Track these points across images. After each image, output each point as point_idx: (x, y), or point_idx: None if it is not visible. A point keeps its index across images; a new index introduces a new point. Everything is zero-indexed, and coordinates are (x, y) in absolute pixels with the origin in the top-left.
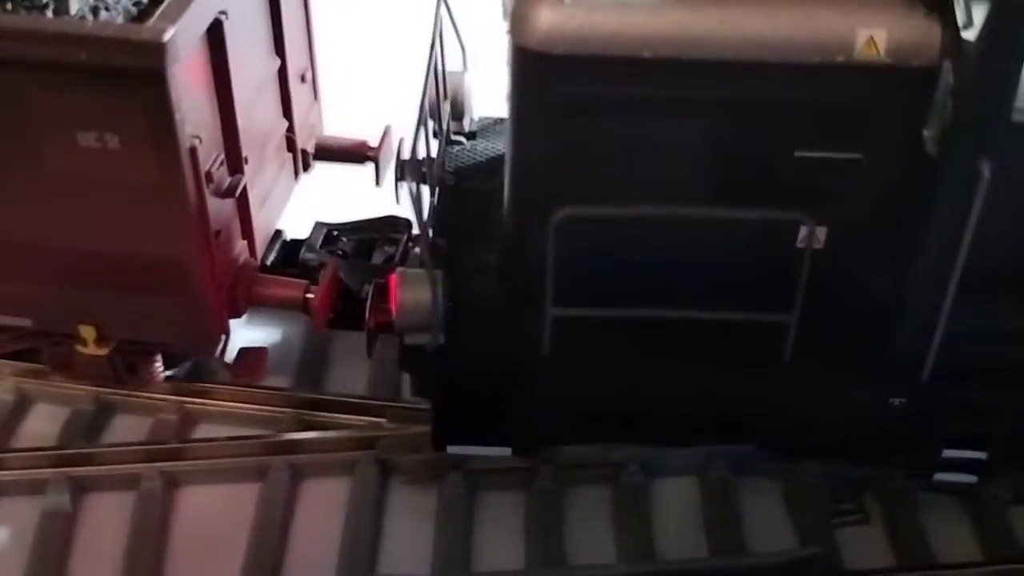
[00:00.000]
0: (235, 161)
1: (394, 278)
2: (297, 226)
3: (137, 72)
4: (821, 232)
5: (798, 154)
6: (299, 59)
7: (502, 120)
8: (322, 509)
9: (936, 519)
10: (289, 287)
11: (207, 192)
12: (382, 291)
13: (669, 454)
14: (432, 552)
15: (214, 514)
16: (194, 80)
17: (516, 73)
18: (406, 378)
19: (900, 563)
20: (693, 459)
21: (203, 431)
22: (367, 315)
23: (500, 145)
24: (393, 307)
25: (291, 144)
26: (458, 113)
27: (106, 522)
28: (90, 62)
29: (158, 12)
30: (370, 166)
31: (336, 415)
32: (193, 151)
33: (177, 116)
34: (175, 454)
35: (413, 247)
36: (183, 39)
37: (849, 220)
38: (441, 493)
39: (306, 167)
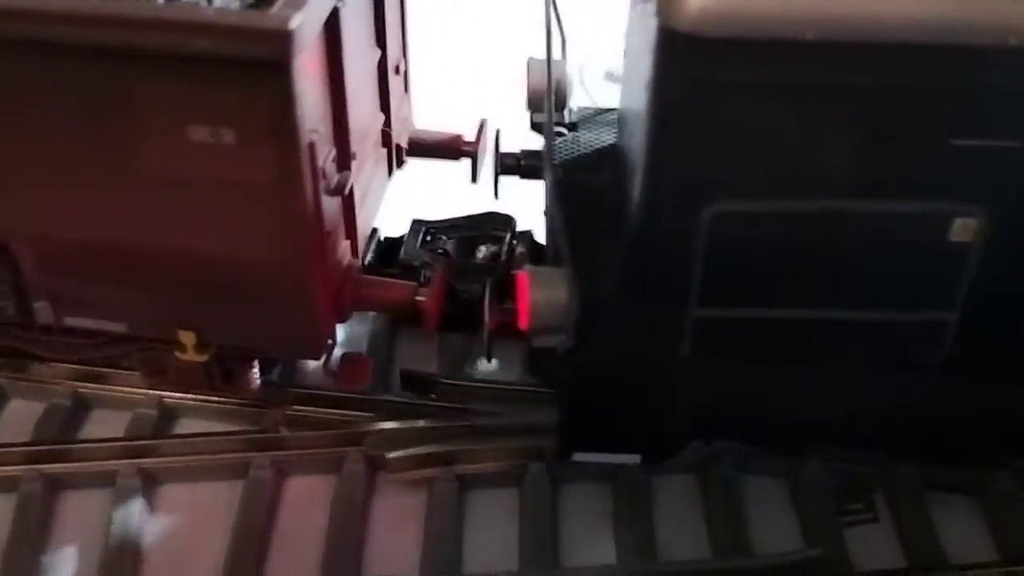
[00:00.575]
0: (344, 157)
1: (524, 277)
2: (388, 224)
3: (260, 62)
4: (971, 224)
5: (955, 142)
6: (395, 49)
7: (606, 111)
8: (307, 507)
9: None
10: (397, 289)
11: (321, 190)
12: (502, 291)
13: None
14: (421, 552)
15: (193, 512)
16: (313, 71)
17: (662, 58)
18: (396, 372)
19: (911, 563)
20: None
21: (182, 427)
22: (485, 316)
23: (605, 136)
24: (523, 307)
25: (387, 139)
26: (560, 104)
27: (81, 520)
28: (209, 51)
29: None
30: (464, 162)
31: (322, 410)
32: (312, 147)
33: (299, 110)
34: (153, 451)
35: (517, 244)
36: (308, 27)
37: (1008, 211)
38: (432, 490)
39: (400, 163)
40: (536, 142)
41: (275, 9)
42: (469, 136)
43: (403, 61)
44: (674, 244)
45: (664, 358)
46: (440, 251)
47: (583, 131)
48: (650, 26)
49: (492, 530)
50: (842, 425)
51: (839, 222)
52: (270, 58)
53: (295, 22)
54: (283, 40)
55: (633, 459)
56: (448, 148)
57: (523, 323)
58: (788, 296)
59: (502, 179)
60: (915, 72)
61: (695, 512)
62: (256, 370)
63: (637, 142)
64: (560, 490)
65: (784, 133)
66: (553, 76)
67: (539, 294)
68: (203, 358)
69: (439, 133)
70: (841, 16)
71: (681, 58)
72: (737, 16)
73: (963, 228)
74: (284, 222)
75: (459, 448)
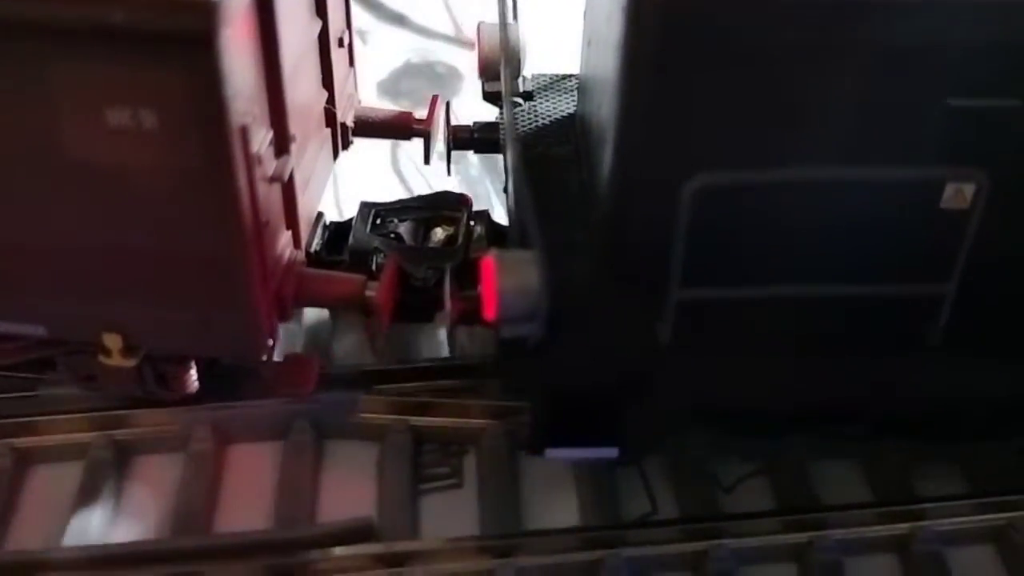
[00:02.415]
0: (282, 140)
1: (490, 262)
2: (337, 207)
3: (182, 37)
4: (969, 191)
5: (952, 103)
6: (337, 20)
7: (564, 77)
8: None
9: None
10: (345, 284)
11: (257, 177)
12: (462, 277)
13: None
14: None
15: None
16: (243, 46)
17: (636, 21)
18: (340, 343)
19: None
20: None
21: None
22: (447, 306)
23: (565, 105)
24: (489, 295)
25: (330, 118)
26: (514, 71)
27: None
28: (126, 25)
29: None
30: (415, 141)
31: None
32: (244, 131)
33: (227, 90)
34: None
35: (475, 225)
36: None
37: (1009, 176)
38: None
39: (345, 144)
40: (490, 113)
41: None
42: (421, 113)
43: (347, 32)
44: (652, 221)
45: (643, 346)
46: (392, 235)
47: (540, 100)
48: None
49: None
50: (832, 412)
51: (829, 192)
52: (192, 32)
53: None
54: (207, 11)
55: (610, 453)
56: (398, 126)
57: (490, 312)
58: (776, 272)
59: (455, 154)
60: (910, 28)
61: None
62: (193, 372)
63: (606, 112)
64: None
65: (771, 97)
66: (506, 41)
67: (507, 280)
68: (131, 363)
69: (388, 110)
70: None
71: (658, 21)
72: None
73: (958, 194)
74: (215, 213)
75: None
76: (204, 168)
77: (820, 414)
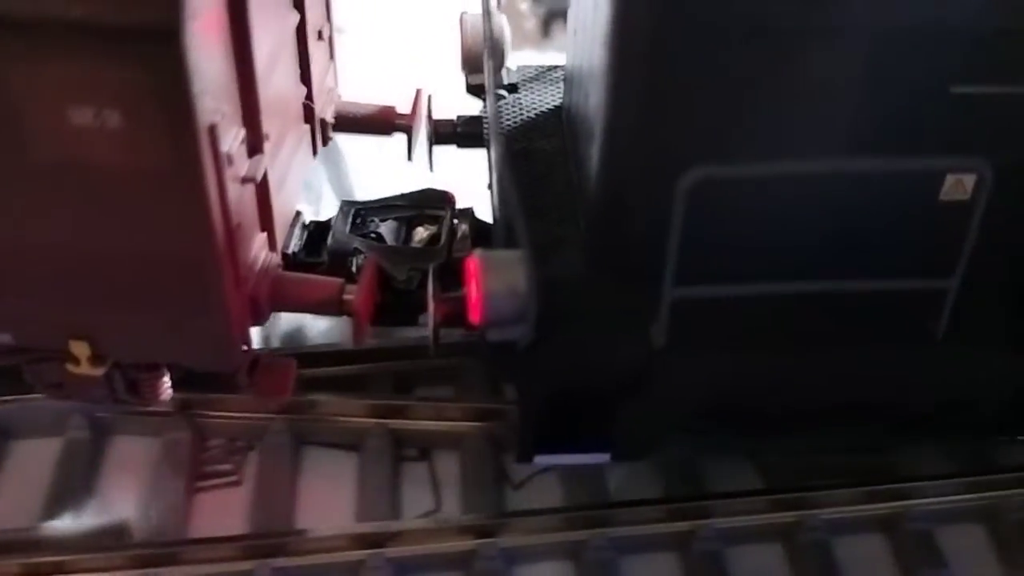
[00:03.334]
0: (255, 139)
1: (476, 262)
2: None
3: (145, 31)
4: (969, 182)
5: (955, 90)
6: (316, 12)
7: (549, 69)
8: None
9: None
10: (322, 287)
11: (228, 178)
12: (447, 278)
13: None
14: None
15: None
16: (212, 40)
17: (625, 7)
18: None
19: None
20: None
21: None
22: (430, 308)
23: (550, 98)
24: (476, 298)
25: (309, 114)
26: (498, 63)
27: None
28: (87, 19)
29: None
30: (397, 137)
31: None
32: (213, 130)
33: (195, 86)
34: None
35: (458, 224)
36: None
37: (1014, 167)
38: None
39: (325, 140)
40: (473, 106)
41: None
42: (403, 107)
43: (327, 25)
44: (644, 217)
45: (636, 346)
46: (373, 235)
47: (525, 92)
48: None
49: None
50: (830, 412)
51: (830, 184)
52: (156, 26)
53: None
54: (171, 4)
55: (602, 459)
56: (380, 122)
57: (476, 316)
58: (774, 268)
59: (437, 149)
60: (914, 11)
61: None
62: (166, 379)
63: (595, 104)
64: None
65: (768, 84)
66: (490, 32)
67: (494, 282)
68: (98, 371)
69: (369, 105)
70: None
71: (648, 5)
72: None
73: (958, 185)
74: (185, 216)
75: None
76: (172, 169)
77: (821, 412)
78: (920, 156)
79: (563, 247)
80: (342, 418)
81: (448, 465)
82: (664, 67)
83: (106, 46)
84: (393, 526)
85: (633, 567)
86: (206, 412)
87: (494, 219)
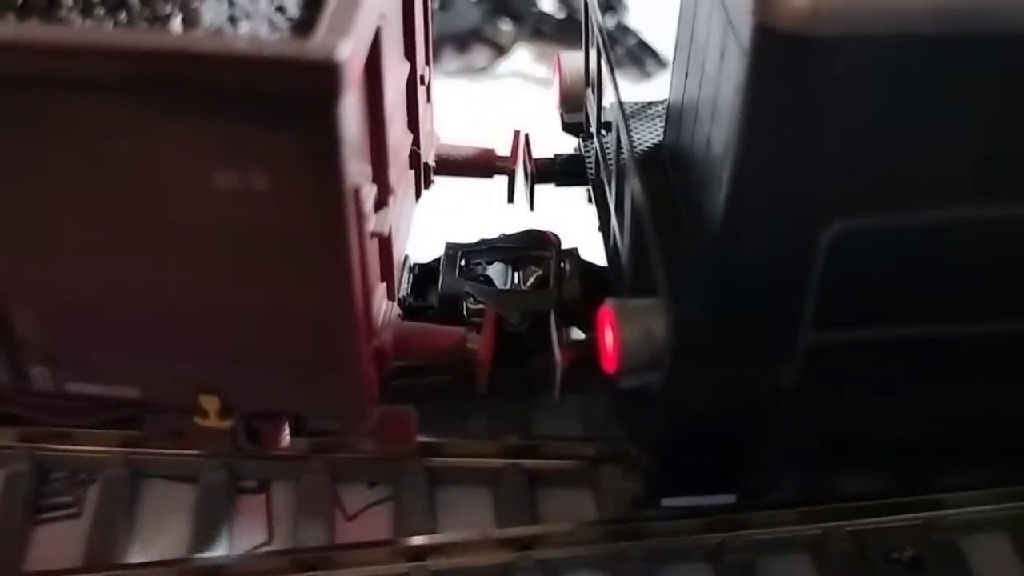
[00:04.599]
0: (383, 193)
1: (610, 312)
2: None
3: (301, 99)
4: None
5: None
6: (422, 59)
7: (649, 104)
8: None
9: None
10: (445, 336)
11: (365, 236)
12: (564, 317)
13: None
14: None
15: None
16: (356, 105)
17: (760, 61)
18: None
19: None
20: None
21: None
22: (556, 354)
23: (649, 134)
24: (612, 346)
25: (415, 159)
26: (598, 101)
27: None
28: (239, 87)
29: (323, 22)
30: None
31: None
32: (358, 192)
33: (344, 151)
34: None
35: (565, 265)
36: (356, 56)
37: None
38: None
39: (427, 183)
40: (567, 145)
41: (319, 36)
42: (502, 150)
43: (427, 69)
44: (777, 262)
45: (763, 388)
46: (480, 278)
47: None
48: (737, 21)
49: None
50: (960, 447)
51: (967, 229)
52: (314, 94)
53: (344, 51)
54: (328, 73)
55: (727, 499)
56: (480, 164)
57: (611, 364)
58: (913, 312)
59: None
60: None
61: None
62: (286, 427)
63: (719, 146)
64: None
65: (903, 137)
66: (595, 70)
67: (632, 331)
68: (226, 424)
69: (469, 148)
70: (961, 6)
71: (785, 61)
72: (849, 10)
73: None
74: (323, 274)
75: None
76: (316, 231)
77: (949, 448)
78: None
79: (681, 291)
80: (179, 453)
81: (286, 497)
82: (801, 128)
83: (259, 112)
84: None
85: None
86: (48, 445)
87: (611, 263)
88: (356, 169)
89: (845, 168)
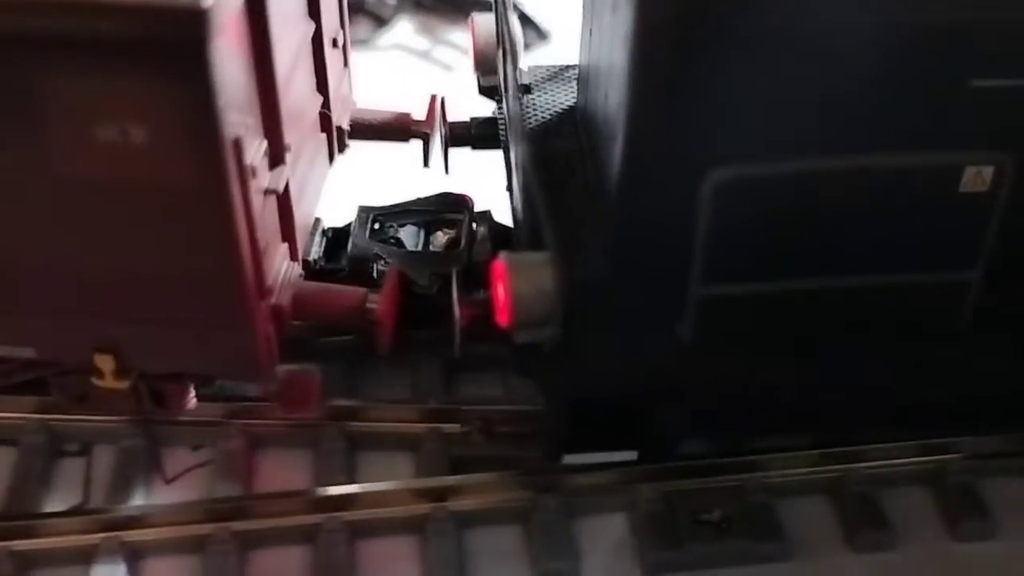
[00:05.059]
0: (277, 151)
1: (502, 265)
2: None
3: (170, 47)
4: (988, 173)
5: (976, 83)
6: (331, 20)
7: (563, 68)
8: None
9: None
10: (345, 297)
11: (252, 191)
12: (468, 283)
13: None
14: None
15: None
16: (234, 53)
17: (645, 10)
18: None
19: None
20: None
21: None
22: (456, 312)
23: (563, 98)
24: (503, 300)
25: (326, 122)
26: (513, 63)
27: None
28: (113, 35)
29: None
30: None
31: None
32: (238, 143)
33: (220, 100)
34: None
35: (478, 227)
36: (227, 4)
37: None
38: None
39: (342, 148)
40: (486, 108)
41: None
42: (418, 114)
43: (341, 32)
44: (667, 216)
45: (663, 346)
46: (392, 241)
47: (538, 93)
48: None
49: None
50: (856, 407)
51: (853, 180)
52: (181, 41)
53: None
54: (196, 19)
55: (629, 456)
56: (396, 129)
57: (504, 318)
58: (798, 265)
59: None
60: (937, 5)
61: None
62: (191, 390)
63: (615, 103)
64: None
65: (792, 80)
66: (505, 32)
67: (522, 284)
68: (123, 384)
69: (385, 112)
70: None
71: (674, 7)
72: None
73: (977, 178)
74: (210, 230)
75: None
76: (197, 183)
77: (846, 405)
78: (940, 151)
79: (585, 249)
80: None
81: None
82: (687, 67)
83: (131, 62)
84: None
85: None
86: None
87: (515, 221)
88: (236, 120)
89: (726, 116)
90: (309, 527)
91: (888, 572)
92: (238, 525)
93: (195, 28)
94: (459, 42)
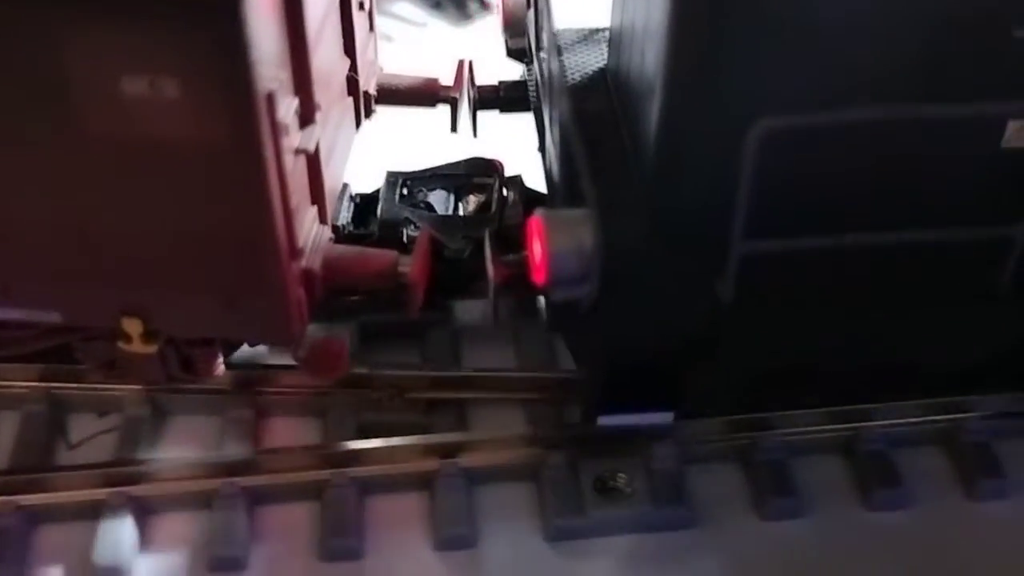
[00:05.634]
0: (308, 109)
1: (539, 222)
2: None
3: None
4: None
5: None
6: None
7: (593, 31)
8: None
9: None
10: (376, 260)
11: (284, 149)
12: (506, 242)
13: None
14: None
15: None
16: (267, 7)
17: None
18: None
19: None
20: None
21: None
22: (490, 272)
23: (594, 59)
24: (539, 258)
25: (353, 86)
26: (539, 25)
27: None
28: None
29: None
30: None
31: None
32: (271, 98)
33: (253, 53)
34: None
35: (508, 191)
36: None
37: None
38: None
39: (368, 113)
40: (514, 71)
41: None
42: (445, 79)
43: None
44: (707, 173)
45: (703, 306)
46: (422, 205)
47: (568, 55)
48: None
49: None
50: (903, 371)
51: (900, 131)
52: None
53: None
54: None
55: (665, 418)
56: (423, 94)
57: (540, 276)
58: (842, 220)
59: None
60: None
61: None
62: (219, 356)
63: (652, 62)
64: None
65: (831, 33)
66: None
67: (559, 240)
68: (151, 349)
69: (412, 77)
70: None
71: None
72: None
73: (1021, 132)
74: (241, 189)
75: None
76: (228, 138)
77: (888, 367)
78: (983, 102)
79: (622, 207)
80: None
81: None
82: (726, 20)
83: (162, 12)
84: None
85: None
86: None
87: (549, 181)
88: (269, 74)
89: (767, 69)
90: (318, 482)
91: (902, 531)
92: (246, 480)
93: None
94: None
